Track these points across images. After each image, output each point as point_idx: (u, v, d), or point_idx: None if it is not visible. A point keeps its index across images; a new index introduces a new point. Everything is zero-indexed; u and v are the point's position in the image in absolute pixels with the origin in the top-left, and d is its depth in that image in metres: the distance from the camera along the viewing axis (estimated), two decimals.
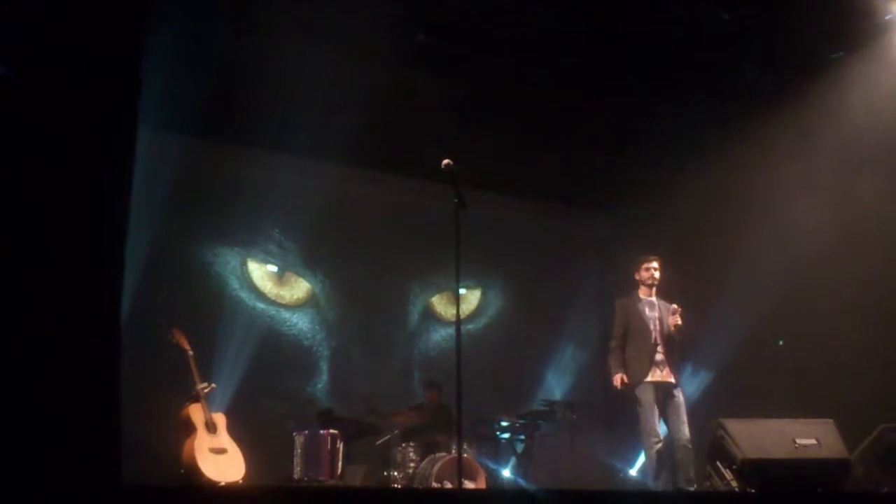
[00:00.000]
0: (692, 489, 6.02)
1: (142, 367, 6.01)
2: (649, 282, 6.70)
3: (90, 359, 2.95)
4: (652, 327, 6.59)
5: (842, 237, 7.46)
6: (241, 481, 6.04)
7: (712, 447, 5.72)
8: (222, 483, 5.91)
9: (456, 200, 5.17)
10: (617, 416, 8.61)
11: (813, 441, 5.49)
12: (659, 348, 6.54)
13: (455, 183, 5.20)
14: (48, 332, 2.87)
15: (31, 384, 2.78)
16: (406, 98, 7.67)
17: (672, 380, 6.48)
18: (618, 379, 6.57)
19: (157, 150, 7.53)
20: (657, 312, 6.65)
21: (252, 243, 9.15)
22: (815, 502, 4.60)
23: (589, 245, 11.11)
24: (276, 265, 9.31)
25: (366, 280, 9.65)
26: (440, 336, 10.02)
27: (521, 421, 8.17)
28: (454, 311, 5.41)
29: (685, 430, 6.35)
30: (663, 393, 6.45)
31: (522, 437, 8.17)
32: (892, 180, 7.32)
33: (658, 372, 6.48)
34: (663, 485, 6.20)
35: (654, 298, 6.73)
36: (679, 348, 6.65)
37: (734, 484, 5.46)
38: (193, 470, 5.95)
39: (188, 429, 6.19)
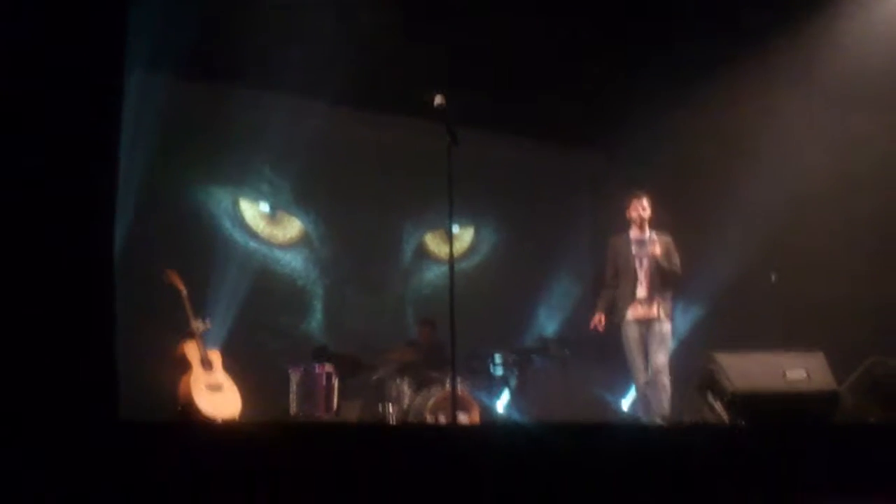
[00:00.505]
0: (662, 421, 6.10)
1: (136, 307, 6.05)
2: (638, 220, 6.68)
3: (85, 299, 2.95)
4: (637, 265, 6.57)
5: (836, 173, 7.44)
6: (237, 417, 6.10)
7: (703, 380, 5.77)
8: (219, 419, 5.97)
9: (448, 138, 5.13)
10: (609, 352, 8.69)
11: (803, 373, 5.55)
12: (642, 285, 6.54)
13: (447, 120, 5.16)
14: (42, 273, 2.87)
15: (27, 325, 2.79)
16: (398, 35, 7.56)
17: (655, 314, 6.48)
18: (594, 319, 6.63)
19: (147, 90, 7.44)
20: (646, 248, 6.62)
21: (244, 182, 9.10)
22: (805, 434, 4.67)
23: (583, 182, 11.07)
24: (269, 204, 9.27)
25: (359, 219, 9.62)
26: (433, 274, 10.05)
27: (515, 356, 8.25)
28: (447, 250, 5.42)
29: (659, 359, 6.37)
30: (646, 328, 6.48)
31: (516, 372, 8.25)
32: (888, 117, 7.28)
33: (640, 308, 6.49)
34: (646, 418, 6.28)
35: (645, 235, 6.68)
36: (669, 280, 6.59)
37: (724, 416, 5.53)
38: (190, 406, 6.01)
39: (184, 366, 6.23)
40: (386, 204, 9.73)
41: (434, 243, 10.12)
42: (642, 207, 6.66)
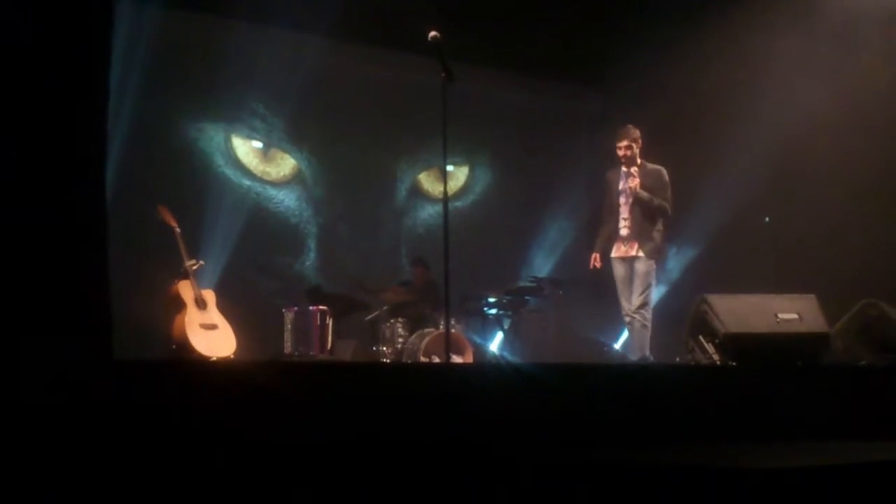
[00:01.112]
0: (639, 360, 6.17)
1: (129, 245, 6.03)
2: (622, 157, 6.63)
3: (77, 237, 2.93)
4: (623, 201, 6.55)
5: (831, 115, 7.39)
6: (232, 356, 6.13)
7: (695, 321, 5.80)
8: (214, 358, 6.00)
9: (443, 74, 5.05)
10: (602, 292, 8.73)
11: (794, 316, 5.58)
12: (625, 222, 6.52)
13: (442, 56, 5.07)
14: (32, 212, 2.84)
15: (17, 265, 2.77)
16: None
17: (635, 252, 6.47)
18: (591, 259, 6.63)
19: (137, 23, 7.31)
20: (629, 183, 6.57)
21: (236, 119, 9.00)
22: (795, 375, 4.72)
23: (580, 121, 10.98)
24: (262, 141, 9.19)
25: (352, 156, 9.55)
26: (427, 213, 10.02)
27: (508, 297, 8.27)
28: (442, 188, 5.38)
29: (634, 300, 6.43)
30: (628, 266, 6.48)
31: (509, 312, 8.29)
32: (889, 58, 7.20)
33: (622, 247, 6.49)
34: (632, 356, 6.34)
35: (634, 170, 6.63)
36: (654, 214, 6.54)
37: (716, 357, 5.57)
38: (184, 345, 6.03)
39: (178, 305, 6.23)
40: (380, 142, 9.65)
41: (428, 182, 10.07)
42: (627, 143, 6.59)
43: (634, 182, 6.44)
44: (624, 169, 6.62)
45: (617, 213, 6.56)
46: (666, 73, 8.54)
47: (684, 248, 8.49)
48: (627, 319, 6.47)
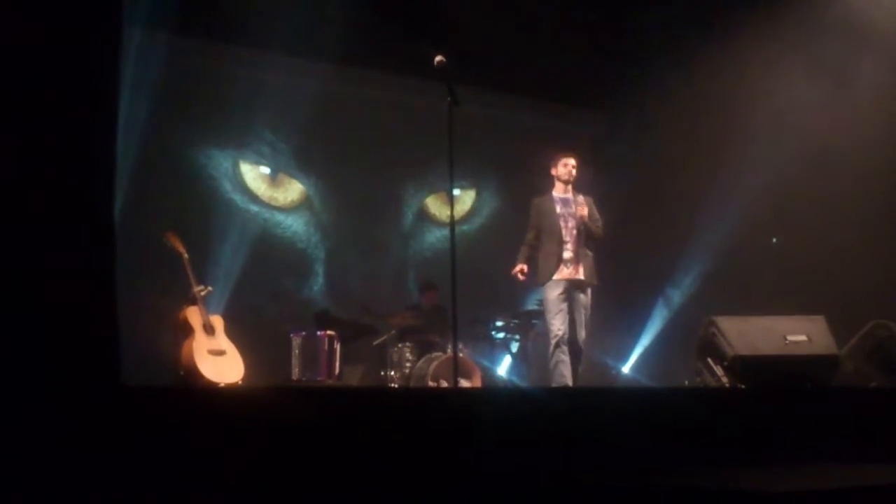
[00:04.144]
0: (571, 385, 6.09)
1: (138, 271, 6.04)
2: (566, 178, 6.57)
3: (85, 263, 2.94)
4: (562, 224, 6.51)
5: (838, 135, 7.40)
6: (240, 382, 6.12)
7: (703, 344, 5.78)
8: (222, 384, 5.99)
9: (449, 98, 5.08)
10: (610, 317, 8.71)
11: (803, 337, 5.56)
12: (568, 246, 6.46)
13: (448, 80, 5.10)
14: (43, 239, 2.86)
15: (28, 290, 2.78)
16: None
17: (581, 277, 6.41)
18: (516, 269, 6.52)
19: (146, 51, 7.37)
20: (571, 208, 6.54)
21: (244, 145, 9.04)
22: (805, 398, 4.69)
23: (584, 145, 10.99)
24: (269, 167, 9.23)
25: (359, 181, 9.57)
26: (435, 237, 10.03)
27: (516, 321, 8.26)
28: (448, 212, 5.39)
29: (581, 334, 6.35)
30: (572, 290, 6.43)
31: (517, 336, 8.27)
32: (892, 75, 7.22)
33: (565, 270, 6.42)
34: (559, 381, 6.17)
35: (569, 195, 6.59)
36: (593, 239, 6.53)
37: (725, 380, 5.55)
38: (193, 372, 6.01)
39: (186, 331, 6.23)
40: (387, 166, 9.68)
41: (435, 206, 10.09)
42: (572, 165, 6.58)
43: (583, 210, 6.43)
44: (563, 195, 6.59)
45: (554, 237, 6.46)
46: (668, 96, 8.57)
47: (692, 269, 8.47)
48: (557, 339, 6.26)
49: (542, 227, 6.55)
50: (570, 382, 6.16)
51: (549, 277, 6.39)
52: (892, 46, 7.29)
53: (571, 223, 6.48)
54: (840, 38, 7.49)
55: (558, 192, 6.62)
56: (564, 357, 6.23)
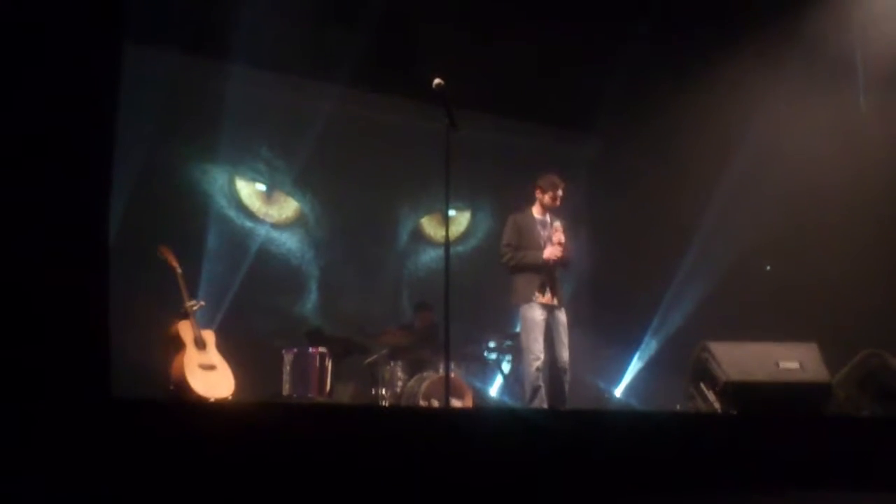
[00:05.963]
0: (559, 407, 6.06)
1: (130, 285, 6.02)
2: (550, 205, 6.58)
3: (78, 277, 2.94)
4: (542, 246, 6.52)
5: (832, 163, 7.44)
6: (230, 397, 6.10)
7: (696, 368, 5.78)
8: (212, 399, 5.97)
9: (447, 121, 5.09)
10: (603, 339, 8.71)
11: (796, 364, 5.56)
12: (546, 269, 6.44)
13: (446, 103, 5.12)
14: (36, 253, 2.85)
15: (20, 303, 2.77)
16: (398, 16, 7.52)
17: (556, 301, 6.41)
18: (550, 253, 6.41)
19: (144, 67, 7.40)
20: (548, 231, 6.55)
21: (240, 161, 9.06)
22: (796, 425, 4.68)
23: (580, 167, 11.03)
24: (265, 184, 9.24)
25: (355, 200, 9.59)
26: (429, 257, 10.04)
27: (509, 342, 8.25)
28: (443, 233, 5.39)
29: (565, 354, 6.31)
30: (550, 313, 6.41)
31: (509, 356, 8.26)
32: (889, 105, 7.27)
33: (543, 295, 6.38)
34: (538, 404, 6.15)
35: (546, 217, 6.61)
36: (564, 267, 6.55)
37: (717, 405, 5.54)
38: (183, 386, 5.99)
39: (177, 345, 6.21)
40: (383, 186, 9.70)
41: (430, 226, 10.10)
42: (559, 196, 6.56)
43: (560, 237, 6.43)
44: (541, 216, 6.60)
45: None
46: (663, 121, 8.61)
47: (685, 294, 8.48)
48: (538, 363, 6.18)
49: (522, 247, 6.52)
50: (546, 406, 6.12)
51: (531, 299, 6.37)
52: (882, 78, 7.34)
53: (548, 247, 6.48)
54: (834, 69, 7.54)
55: (538, 213, 6.62)
56: (542, 383, 6.21)
